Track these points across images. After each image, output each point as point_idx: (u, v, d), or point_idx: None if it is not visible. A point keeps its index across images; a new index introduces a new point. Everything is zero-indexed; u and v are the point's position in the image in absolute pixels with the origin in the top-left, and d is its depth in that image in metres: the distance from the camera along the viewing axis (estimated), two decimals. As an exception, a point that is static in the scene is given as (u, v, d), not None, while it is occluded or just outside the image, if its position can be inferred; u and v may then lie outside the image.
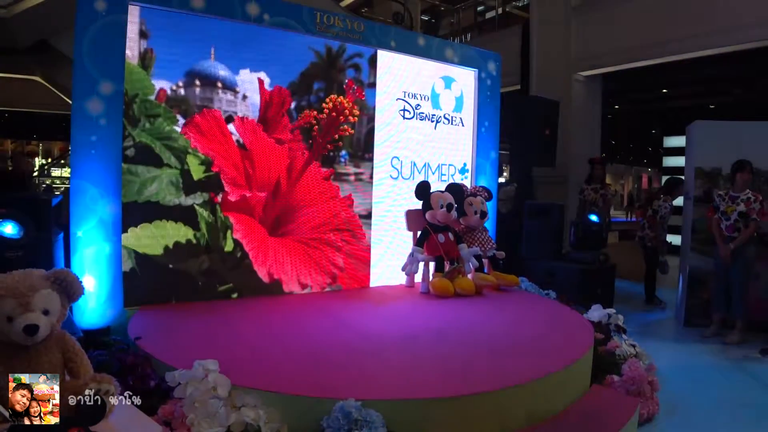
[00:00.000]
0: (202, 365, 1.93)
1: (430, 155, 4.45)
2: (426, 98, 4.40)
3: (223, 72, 3.39)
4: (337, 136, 3.86)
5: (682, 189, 5.69)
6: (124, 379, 1.93)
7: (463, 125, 4.67)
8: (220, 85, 3.38)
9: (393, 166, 4.21)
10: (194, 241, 3.32)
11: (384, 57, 4.09)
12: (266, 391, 1.98)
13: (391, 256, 4.19)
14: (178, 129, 3.25)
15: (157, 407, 1.89)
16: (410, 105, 4.28)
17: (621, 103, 11.98)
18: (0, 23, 6.81)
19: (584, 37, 7.41)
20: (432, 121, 4.45)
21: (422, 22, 11.34)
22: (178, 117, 3.25)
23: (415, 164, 4.35)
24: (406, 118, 4.28)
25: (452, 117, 4.59)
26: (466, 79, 4.67)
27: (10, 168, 7.56)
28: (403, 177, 4.27)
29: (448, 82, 4.54)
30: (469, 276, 3.91)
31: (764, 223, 4.68)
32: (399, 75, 4.22)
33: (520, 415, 2.22)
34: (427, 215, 3.92)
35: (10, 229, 2.60)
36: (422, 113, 4.38)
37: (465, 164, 4.72)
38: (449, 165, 4.60)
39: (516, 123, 5.92)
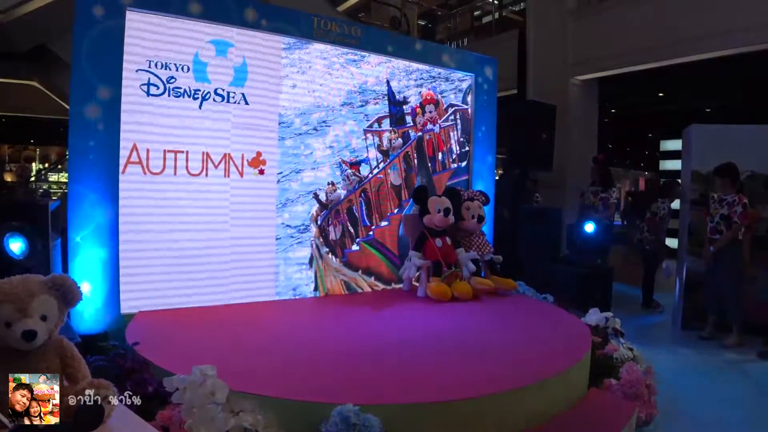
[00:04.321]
0: (200, 370, 1.93)
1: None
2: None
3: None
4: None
5: (678, 190, 5.71)
6: (122, 384, 1.92)
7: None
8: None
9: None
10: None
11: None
12: (264, 396, 1.97)
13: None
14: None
15: (156, 412, 1.89)
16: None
17: (618, 106, 12.02)
18: (-2, 28, 6.82)
19: (580, 42, 7.44)
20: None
21: (419, 26, 11.40)
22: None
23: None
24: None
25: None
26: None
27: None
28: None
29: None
30: (467, 280, 3.92)
31: (761, 225, 4.72)
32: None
33: (518, 419, 2.22)
34: (425, 220, 3.93)
35: (18, 246, 2.57)
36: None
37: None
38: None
39: (513, 127, 5.94)
